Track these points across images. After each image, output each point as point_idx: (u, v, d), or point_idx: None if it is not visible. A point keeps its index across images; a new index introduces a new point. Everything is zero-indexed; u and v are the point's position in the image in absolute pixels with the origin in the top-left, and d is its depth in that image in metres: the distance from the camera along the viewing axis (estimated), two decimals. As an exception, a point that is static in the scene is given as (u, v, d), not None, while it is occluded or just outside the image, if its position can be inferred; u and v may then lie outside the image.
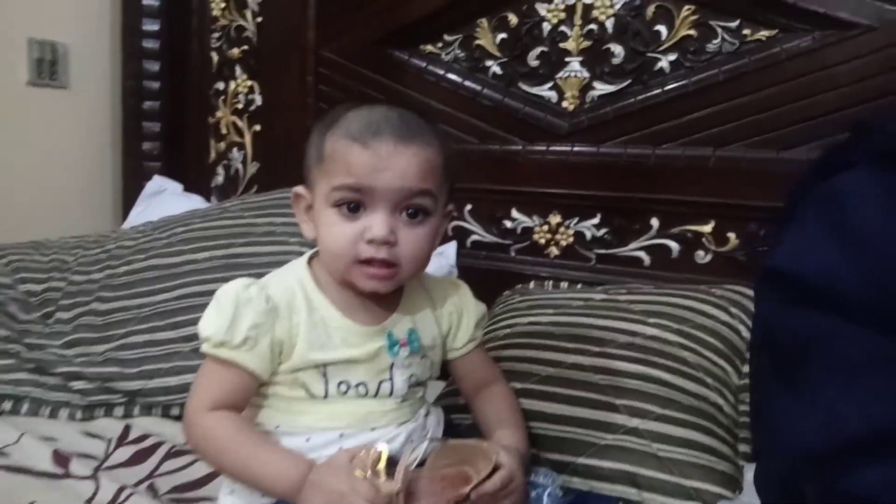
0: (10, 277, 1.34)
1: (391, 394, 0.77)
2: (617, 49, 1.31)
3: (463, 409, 0.91)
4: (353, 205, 0.72)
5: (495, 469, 0.72)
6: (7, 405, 1.13)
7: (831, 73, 1.13)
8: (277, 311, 0.74)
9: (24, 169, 1.71)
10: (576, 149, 1.35)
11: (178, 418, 1.06)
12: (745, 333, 1.08)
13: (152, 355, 1.18)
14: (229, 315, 0.72)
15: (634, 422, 0.92)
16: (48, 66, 1.74)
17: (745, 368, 1.04)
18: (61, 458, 0.98)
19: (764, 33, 1.20)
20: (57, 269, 1.38)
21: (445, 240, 1.46)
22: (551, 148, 1.37)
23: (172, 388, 1.14)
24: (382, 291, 0.75)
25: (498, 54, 1.43)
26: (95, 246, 1.42)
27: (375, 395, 0.77)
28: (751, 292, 1.15)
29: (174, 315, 1.22)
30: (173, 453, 1.02)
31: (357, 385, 0.76)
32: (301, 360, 0.74)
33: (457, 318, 0.85)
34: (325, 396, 0.75)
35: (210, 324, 0.73)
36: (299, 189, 0.78)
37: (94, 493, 0.90)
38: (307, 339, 0.74)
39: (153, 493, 0.92)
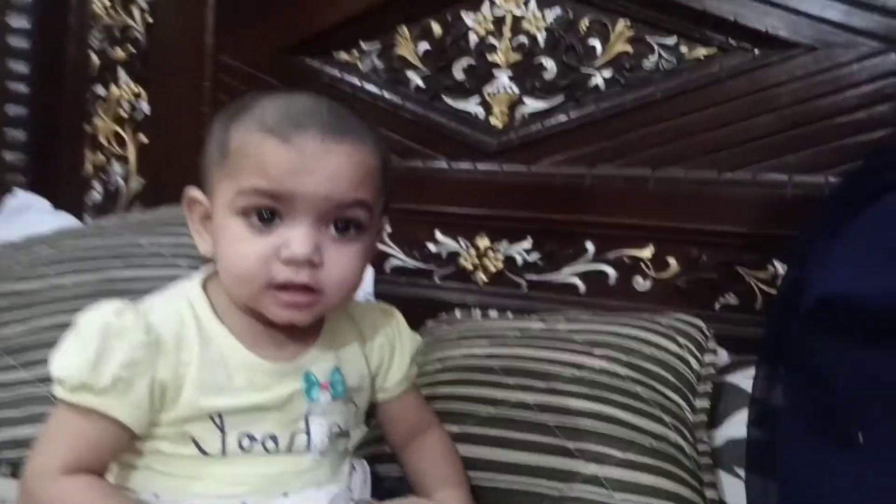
0: None
1: (308, 448, 0.63)
2: (549, 63, 1.24)
3: (389, 458, 0.77)
4: (267, 213, 0.58)
5: None
6: None
7: (772, 94, 1.09)
8: (160, 345, 0.58)
9: None
10: (505, 168, 1.25)
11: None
12: (695, 365, 1.00)
13: (0, 401, 0.96)
14: (93, 349, 0.56)
15: (592, 468, 0.80)
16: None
17: (698, 403, 0.96)
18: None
19: (702, 51, 1.15)
20: None
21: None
22: (479, 167, 1.26)
23: (24, 440, 0.92)
24: (300, 324, 0.62)
25: (420, 66, 1.32)
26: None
27: (288, 450, 0.63)
28: (697, 321, 1.08)
29: (27, 351, 1.00)
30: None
31: (264, 438, 0.61)
32: (190, 409, 0.59)
33: (389, 352, 0.72)
34: (223, 454, 0.60)
35: (67, 361, 0.56)
36: (194, 192, 0.63)
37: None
38: (199, 380, 0.59)
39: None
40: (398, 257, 1.31)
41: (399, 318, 0.75)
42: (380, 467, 0.78)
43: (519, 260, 1.24)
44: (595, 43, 1.21)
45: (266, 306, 0.60)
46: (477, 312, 1.22)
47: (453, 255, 1.28)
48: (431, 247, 1.29)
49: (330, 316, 0.67)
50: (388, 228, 1.25)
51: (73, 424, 0.57)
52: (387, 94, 1.33)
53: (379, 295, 1.27)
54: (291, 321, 0.61)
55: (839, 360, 0.48)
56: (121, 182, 1.56)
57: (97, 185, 1.59)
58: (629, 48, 1.19)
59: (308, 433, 0.63)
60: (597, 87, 1.21)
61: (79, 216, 1.53)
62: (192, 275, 0.66)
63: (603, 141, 1.20)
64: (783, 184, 1.09)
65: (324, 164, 0.57)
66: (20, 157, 1.59)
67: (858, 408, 0.46)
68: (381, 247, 1.32)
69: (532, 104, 1.25)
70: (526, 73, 1.25)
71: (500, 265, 1.25)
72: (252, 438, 0.61)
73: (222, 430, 0.60)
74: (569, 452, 0.82)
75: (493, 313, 1.21)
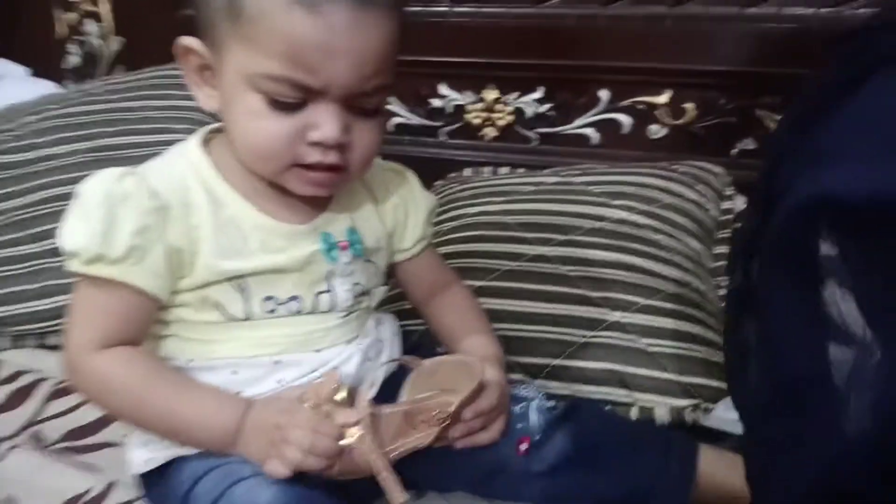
0: None
1: (332, 308, 0.62)
2: None
3: (411, 314, 0.77)
4: (296, 99, 0.53)
5: (481, 387, 0.60)
6: None
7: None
8: (167, 210, 0.56)
9: None
10: (513, 10, 1.16)
11: (58, 348, 0.84)
12: (713, 212, 0.99)
13: (14, 274, 0.94)
14: (101, 219, 0.53)
15: (616, 315, 0.80)
16: None
17: (716, 250, 0.95)
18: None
19: None
20: None
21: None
22: (483, 9, 1.18)
23: (44, 313, 0.91)
24: (321, 195, 0.61)
25: None
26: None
27: (313, 310, 0.61)
28: (714, 168, 1.06)
29: (36, 224, 0.97)
30: (58, 392, 0.82)
31: (288, 300, 0.60)
32: (208, 273, 0.57)
33: (403, 213, 0.70)
34: (248, 317, 0.59)
35: (76, 234, 0.54)
36: (189, 41, 0.57)
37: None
38: (213, 244, 0.57)
39: (39, 444, 0.74)
40: (401, 114, 1.25)
41: (412, 177, 0.72)
42: (404, 322, 0.77)
43: (529, 112, 1.19)
44: None
45: (289, 182, 0.58)
46: (487, 171, 1.19)
47: (459, 110, 1.22)
48: (436, 101, 1.23)
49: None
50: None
51: (99, 299, 0.56)
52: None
53: (383, 155, 1.22)
54: (315, 195, 0.59)
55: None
56: (97, 43, 1.46)
57: (72, 48, 1.49)
58: None
59: (332, 292, 0.62)
60: (611, -86, 1.10)
61: (58, 81, 1.44)
62: (190, 137, 0.62)
63: (617, -24, 1.11)
64: (807, 18, 1.02)
65: (355, 42, 0.52)
66: (-14, 20, 1.48)
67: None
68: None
69: (537, -63, 1.14)
70: None
71: (511, 119, 1.20)
72: (276, 301, 0.60)
73: (244, 293, 0.58)
74: (592, 301, 0.82)
75: (503, 170, 1.18)
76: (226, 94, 0.56)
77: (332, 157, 0.55)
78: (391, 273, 0.72)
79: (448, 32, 1.19)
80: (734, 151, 1.10)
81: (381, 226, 0.68)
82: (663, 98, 1.12)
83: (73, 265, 0.55)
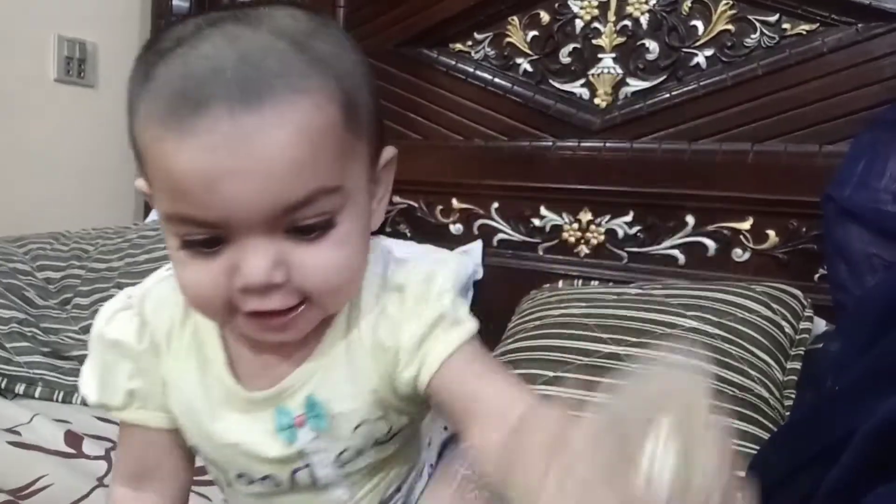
0: (29, 265, 1.32)
1: (314, 484, 0.53)
2: (652, 45, 1.29)
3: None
4: (205, 241, 0.43)
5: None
6: (20, 387, 1.10)
7: (876, 65, 1.10)
8: (156, 347, 0.52)
9: (48, 164, 1.70)
10: (608, 145, 1.32)
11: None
12: (788, 330, 1.03)
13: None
14: (97, 367, 0.52)
15: (676, 411, 0.87)
16: (76, 64, 1.74)
17: (789, 365, 1.00)
18: (74, 439, 0.94)
19: (804, 27, 1.17)
20: (76, 257, 1.36)
21: (467, 238, 1.42)
22: (583, 144, 1.34)
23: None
24: (294, 340, 0.49)
25: (529, 52, 1.41)
26: (116, 236, 1.40)
27: (293, 488, 0.53)
28: (793, 290, 1.11)
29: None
30: None
31: (262, 479, 0.53)
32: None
33: (394, 344, 0.50)
34: (230, 485, 0.55)
35: (83, 383, 0.52)
36: (140, 184, 0.48)
37: (107, 472, 0.87)
38: (179, 403, 0.52)
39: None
40: (505, 231, 1.41)
41: (410, 291, 0.50)
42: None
43: (620, 233, 1.31)
44: (697, 23, 1.25)
45: (245, 330, 0.47)
46: (579, 282, 1.30)
47: (557, 229, 1.36)
48: (536, 221, 1.38)
49: (334, 317, 0.50)
50: (496, 204, 1.40)
51: (123, 436, 0.55)
52: (497, 80, 1.43)
53: (487, 266, 1.38)
54: (283, 341, 0.48)
55: None
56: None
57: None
58: (731, 27, 1.22)
59: (309, 468, 0.52)
60: (698, 65, 1.25)
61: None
62: None
63: (704, 117, 1.24)
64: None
65: (244, 157, 0.40)
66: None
67: None
68: (488, 221, 1.42)
69: (635, 84, 1.31)
70: (629, 55, 1.31)
71: (602, 238, 1.32)
72: (248, 478, 0.53)
73: (216, 465, 0.54)
74: (654, 397, 0.89)
75: (594, 283, 1.29)
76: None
77: (275, 302, 0.44)
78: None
79: (551, 163, 1.36)
80: (816, 277, 1.15)
81: (364, 377, 0.51)
82: (746, 224, 1.20)
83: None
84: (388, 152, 0.51)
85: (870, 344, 0.64)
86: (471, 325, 0.49)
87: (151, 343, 0.51)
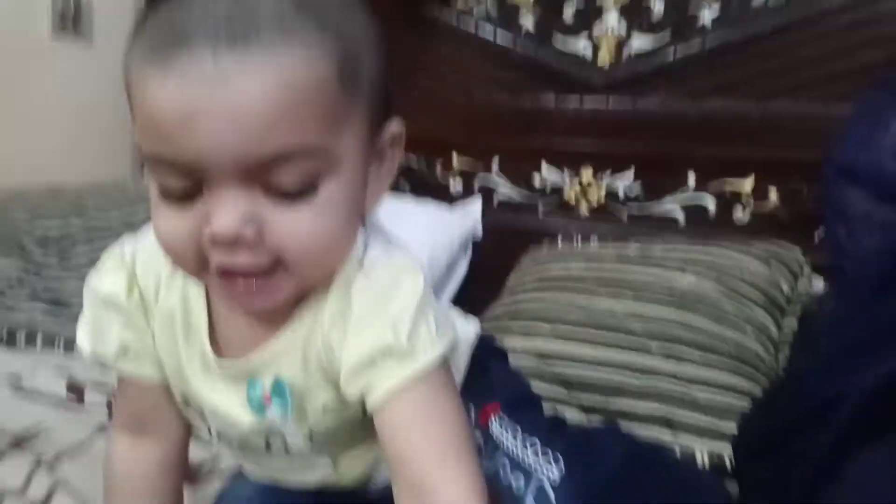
0: (27, 220, 1.32)
1: (289, 452, 0.52)
2: (656, 5, 1.27)
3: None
4: (182, 185, 0.42)
5: None
6: (21, 336, 1.10)
7: (882, 27, 1.09)
8: (145, 302, 0.52)
9: (45, 119, 1.68)
10: (611, 103, 1.30)
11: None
12: (786, 288, 1.04)
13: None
14: (90, 321, 0.52)
15: (671, 365, 0.88)
16: (71, 19, 1.72)
17: (786, 322, 1.00)
18: (75, 387, 0.95)
19: (812, -15, 1.15)
20: (74, 212, 1.35)
21: (466, 196, 1.41)
22: (585, 102, 1.33)
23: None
24: (269, 310, 0.46)
25: (531, 9, 1.39)
26: (114, 190, 1.40)
27: (268, 450, 0.53)
28: (793, 248, 1.11)
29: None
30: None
31: (239, 440, 0.53)
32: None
33: (338, 355, 0.46)
34: (217, 440, 0.55)
35: (80, 337, 0.53)
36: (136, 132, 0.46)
37: (108, 419, 0.87)
38: (166, 357, 0.53)
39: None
40: (505, 190, 1.40)
41: (365, 299, 0.46)
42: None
43: (621, 192, 1.30)
44: (703, -19, 1.23)
45: (219, 294, 0.47)
46: (578, 239, 1.30)
47: (557, 189, 1.36)
48: (537, 180, 1.37)
49: (315, 290, 0.47)
50: (496, 161, 1.39)
51: (120, 386, 0.56)
52: (499, 37, 1.41)
53: (486, 227, 1.37)
54: (255, 310, 0.47)
55: None
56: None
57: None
58: (738, -15, 1.21)
59: (283, 438, 0.51)
60: (703, 25, 1.24)
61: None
62: None
63: (708, 76, 1.23)
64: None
65: (220, 98, 0.38)
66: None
67: None
68: (488, 181, 1.41)
69: (638, 43, 1.29)
70: (633, 14, 1.29)
71: (603, 197, 1.32)
72: (228, 440, 0.53)
73: (204, 417, 0.53)
74: (649, 351, 0.90)
75: (593, 240, 1.29)
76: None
77: (242, 259, 0.41)
78: None
79: (553, 121, 1.35)
80: (817, 238, 1.15)
81: (311, 366, 0.48)
82: (748, 184, 1.20)
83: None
84: (396, 125, 0.48)
85: (865, 306, 0.64)
86: (427, 357, 0.44)
87: (140, 299, 0.51)
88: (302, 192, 0.42)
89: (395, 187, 1.44)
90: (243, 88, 0.38)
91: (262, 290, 0.43)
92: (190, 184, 0.41)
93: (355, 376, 0.45)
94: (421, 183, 1.46)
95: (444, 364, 0.45)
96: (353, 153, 0.44)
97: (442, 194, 1.44)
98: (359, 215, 0.47)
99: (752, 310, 0.97)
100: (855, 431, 0.59)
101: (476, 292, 1.21)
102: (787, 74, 1.17)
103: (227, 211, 0.40)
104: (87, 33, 1.75)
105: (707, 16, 1.23)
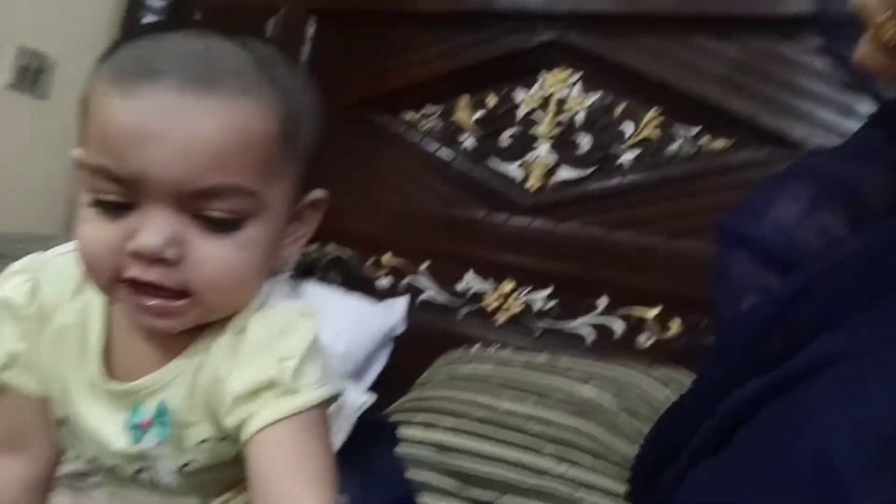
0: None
1: (156, 486, 0.53)
2: (584, 139, 1.40)
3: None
4: (116, 200, 0.45)
5: None
6: None
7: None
8: (42, 315, 0.52)
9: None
10: (535, 223, 1.40)
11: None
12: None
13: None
14: None
15: (562, 468, 0.90)
16: (32, 75, 1.76)
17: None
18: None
19: (722, 142, 1.30)
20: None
21: (392, 295, 1.46)
22: (512, 219, 1.42)
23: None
24: (168, 331, 0.49)
25: (473, 130, 1.50)
26: (42, 242, 1.38)
27: (134, 482, 0.53)
28: (690, 375, 1.18)
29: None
30: None
31: (109, 470, 0.54)
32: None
33: (224, 387, 0.49)
34: (85, 465, 0.56)
35: None
36: (76, 153, 0.48)
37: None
38: (55, 377, 0.53)
39: None
40: (430, 292, 1.45)
41: (256, 336, 0.49)
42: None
43: (537, 306, 1.37)
44: (628, 126, 1.37)
45: (125, 306, 0.48)
46: (494, 349, 1.34)
47: (479, 296, 1.42)
48: (460, 286, 1.43)
49: (214, 324, 0.50)
50: (427, 263, 1.44)
51: (2, 402, 0.54)
52: (441, 152, 1.51)
53: (408, 326, 1.41)
54: (156, 328, 0.48)
55: None
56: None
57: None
58: (658, 132, 1.34)
59: (152, 470, 0.52)
60: (621, 164, 1.36)
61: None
62: None
63: (623, 210, 1.34)
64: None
65: (176, 128, 0.42)
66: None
67: None
68: (416, 282, 1.46)
69: (565, 173, 1.41)
70: (563, 146, 1.42)
71: (520, 309, 1.38)
72: (98, 467, 0.54)
73: (76, 438, 0.53)
74: (542, 453, 0.93)
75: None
76: None
77: (153, 275, 0.44)
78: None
79: (482, 234, 1.43)
80: (711, 369, 1.23)
81: (197, 395, 0.51)
82: (653, 312, 1.28)
83: None
84: (319, 192, 0.53)
85: (730, 380, 0.66)
86: (308, 396, 0.47)
87: (39, 310, 0.52)
88: (228, 225, 0.45)
89: (326, 278, 1.50)
90: (199, 123, 0.43)
91: (170, 313, 0.46)
92: (124, 199, 0.44)
93: (237, 406, 0.47)
94: (351, 276, 1.50)
95: (323, 410, 0.48)
96: (279, 203, 0.48)
97: (370, 289, 1.47)
98: (271, 263, 0.50)
99: (646, 426, 1.02)
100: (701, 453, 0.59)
101: (390, 385, 1.23)
102: (693, 216, 1.28)
103: (156, 229, 0.44)
104: (45, 90, 1.78)
105: (627, 157, 1.36)
